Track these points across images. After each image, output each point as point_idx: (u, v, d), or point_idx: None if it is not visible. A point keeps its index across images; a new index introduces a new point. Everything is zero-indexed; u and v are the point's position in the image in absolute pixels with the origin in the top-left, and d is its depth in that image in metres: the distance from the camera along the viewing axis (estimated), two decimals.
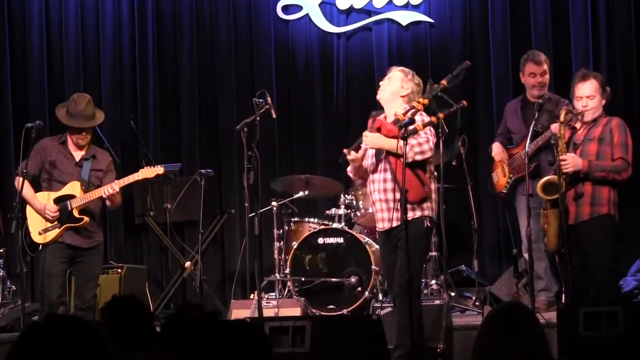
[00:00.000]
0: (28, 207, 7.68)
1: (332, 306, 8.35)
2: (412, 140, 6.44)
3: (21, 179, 7.55)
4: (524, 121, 8.32)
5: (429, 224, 6.62)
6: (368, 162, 6.76)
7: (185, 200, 9.46)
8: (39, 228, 7.60)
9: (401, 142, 6.35)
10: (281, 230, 8.85)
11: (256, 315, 7.42)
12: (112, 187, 7.49)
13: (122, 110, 10.45)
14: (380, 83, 6.86)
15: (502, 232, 9.63)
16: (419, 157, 6.48)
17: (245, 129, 7.04)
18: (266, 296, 8.48)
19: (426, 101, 6.65)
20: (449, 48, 10.05)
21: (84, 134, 7.66)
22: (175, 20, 10.52)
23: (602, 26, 9.67)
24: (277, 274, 8.69)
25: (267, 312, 7.86)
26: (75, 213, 7.56)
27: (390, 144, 6.51)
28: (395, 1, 10.12)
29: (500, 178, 8.52)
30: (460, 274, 9.30)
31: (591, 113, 7.12)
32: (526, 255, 7.94)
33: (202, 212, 7.96)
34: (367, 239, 8.52)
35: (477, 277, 8.13)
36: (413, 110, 6.55)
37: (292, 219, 8.94)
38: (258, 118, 7.08)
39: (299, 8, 10.34)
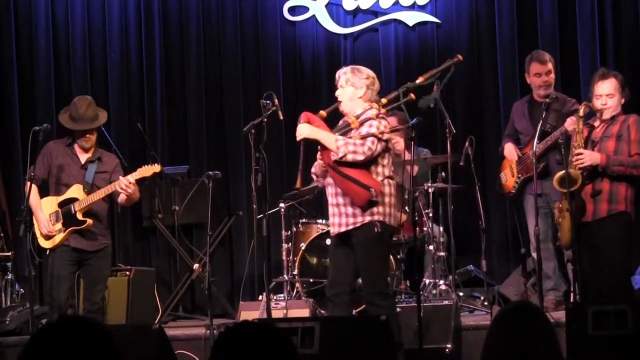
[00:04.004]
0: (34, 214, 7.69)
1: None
2: (350, 140, 6.44)
3: (29, 183, 7.55)
4: (531, 121, 8.33)
5: (379, 229, 6.52)
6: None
7: (193, 202, 9.46)
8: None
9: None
10: (289, 232, 8.84)
11: (265, 316, 7.42)
12: (127, 180, 7.46)
13: (129, 113, 10.45)
14: (336, 94, 6.77)
15: (510, 232, 9.62)
16: (350, 157, 6.42)
17: (253, 131, 7.03)
18: (274, 297, 8.47)
19: (384, 101, 6.61)
20: (455, 48, 10.02)
21: (87, 136, 7.66)
22: (182, 22, 10.52)
23: (608, 25, 9.66)
24: (285, 275, 8.69)
25: (276, 314, 7.86)
26: (79, 216, 7.56)
27: (326, 134, 6.51)
28: (402, 2, 10.12)
29: (509, 178, 8.53)
30: (468, 274, 9.30)
31: (610, 111, 7.16)
32: (534, 255, 7.94)
33: (210, 214, 7.94)
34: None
35: (485, 277, 8.12)
36: (366, 117, 6.51)
37: (300, 220, 8.93)
38: (265, 120, 7.07)
39: (305, 9, 10.35)
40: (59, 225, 7.59)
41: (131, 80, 10.53)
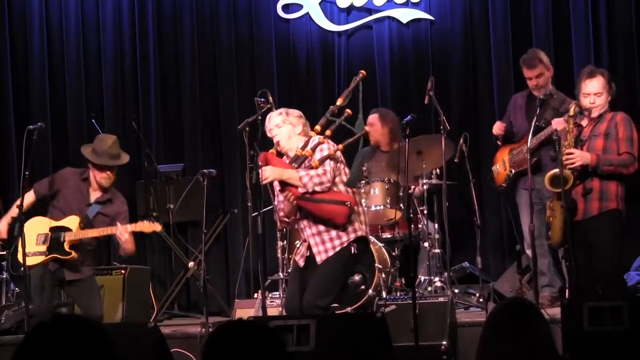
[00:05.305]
0: (27, 225, 7.59)
1: (336, 304, 8.33)
2: (312, 172, 6.44)
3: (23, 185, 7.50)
4: (527, 116, 8.31)
5: (355, 251, 6.57)
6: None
7: (188, 200, 9.44)
8: (26, 249, 7.40)
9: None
10: (284, 229, 8.84)
11: (260, 314, 7.42)
12: (125, 228, 7.44)
13: (124, 111, 10.46)
14: (274, 135, 6.75)
15: (505, 229, 9.62)
16: (317, 188, 6.44)
17: (247, 129, 7.03)
18: (270, 295, 8.48)
19: (318, 128, 6.64)
20: (449, 45, 10.06)
21: (108, 173, 7.62)
22: (176, 20, 10.52)
23: (602, 21, 9.65)
24: (280, 273, 8.68)
25: (272, 311, 7.86)
26: (66, 246, 7.51)
27: (290, 173, 6.49)
28: None
29: (501, 172, 8.51)
30: (463, 270, 9.30)
31: (598, 109, 7.16)
32: (529, 252, 7.94)
33: (205, 212, 7.94)
34: (370, 237, 8.50)
35: (480, 274, 8.13)
36: (315, 144, 6.53)
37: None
38: (260, 117, 7.07)
39: (299, 7, 10.34)
40: (43, 248, 7.53)
41: (125, 79, 10.54)
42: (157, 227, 7.67)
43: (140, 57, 10.50)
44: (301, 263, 6.70)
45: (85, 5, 10.57)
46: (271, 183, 6.64)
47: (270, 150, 6.69)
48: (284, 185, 6.54)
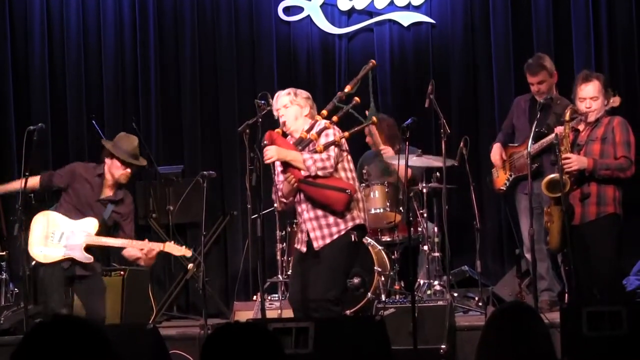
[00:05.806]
0: (35, 219, 7.59)
1: None
2: (315, 156, 6.44)
3: (23, 180, 7.49)
4: (529, 120, 8.30)
5: (356, 238, 6.55)
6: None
7: (187, 202, 9.44)
8: (40, 244, 7.47)
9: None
10: (283, 232, 8.83)
11: (259, 316, 7.42)
12: (153, 248, 7.42)
13: (124, 112, 10.46)
14: (280, 115, 6.74)
15: (504, 233, 9.62)
16: (320, 173, 6.45)
17: (247, 131, 7.03)
18: (269, 297, 8.47)
19: (325, 112, 6.64)
20: (450, 48, 10.06)
21: (128, 171, 7.58)
22: (177, 22, 10.53)
23: (603, 25, 9.66)
24: (279, 276, 8.68)
25: (270, 314, 7.85)
26: (83, 249, 7.49)
27: (294, 155, 6.50)
28: (397, 2, 10.13)
29: (501, 175, 8.51)
30: (463, 274, 9.30)
31: (594, 114, 7.13)
32: (528, 256, 7.94)
33: (204, 214, 7.94)
34: (369, 239, 8.50)
35: (480, 278, 8.13)
36: (320, 128, 6.53)
37: (294, 221, 8.92)
38: (260, 119, 7.07)
39: (300, 9, 10.35)
40: (60, 246, 7.49)
41: (126, 80, 10.54)
42: (188, 252, 7.64)
43: (140, 59, 10.50)
44: (303, 249, 6.67)
45: (85, 5, 10.58)
46: (273, 162, 6.64)
47: (276, 130, 6.69)
48: (287, 166, 6.54)
